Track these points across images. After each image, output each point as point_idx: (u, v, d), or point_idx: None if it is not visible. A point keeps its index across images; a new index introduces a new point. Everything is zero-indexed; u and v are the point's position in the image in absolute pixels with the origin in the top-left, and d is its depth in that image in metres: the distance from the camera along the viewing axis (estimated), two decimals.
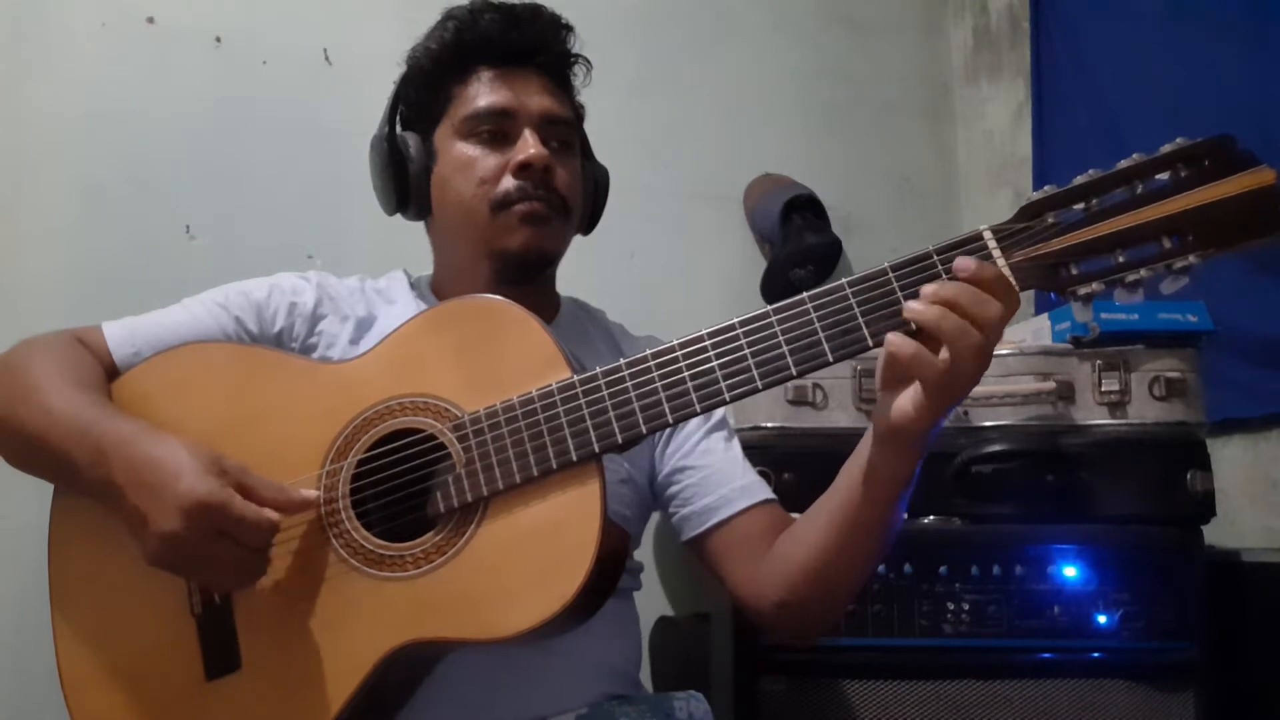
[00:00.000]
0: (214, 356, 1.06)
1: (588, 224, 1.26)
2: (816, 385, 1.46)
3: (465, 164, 1.15)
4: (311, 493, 0.95)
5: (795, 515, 1.10)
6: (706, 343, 0.90)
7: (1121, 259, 0.82)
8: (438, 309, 1.02)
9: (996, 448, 1.42)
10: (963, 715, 1.36)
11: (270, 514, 0.89)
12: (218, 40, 1.83)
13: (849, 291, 0.87)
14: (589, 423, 0.90)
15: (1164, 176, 0.81)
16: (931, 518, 1.43)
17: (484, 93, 1.16)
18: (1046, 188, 0.85)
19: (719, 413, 1.18)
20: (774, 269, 1.98)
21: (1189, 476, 1.40)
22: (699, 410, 0.89)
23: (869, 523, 0.96)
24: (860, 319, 0.86)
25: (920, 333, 0.84)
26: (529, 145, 1.13)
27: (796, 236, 1.96)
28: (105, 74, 1.76)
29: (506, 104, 1.15)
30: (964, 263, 0.83)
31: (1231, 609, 1.40)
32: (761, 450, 1.41)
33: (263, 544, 0.90)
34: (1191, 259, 0.80)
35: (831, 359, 0.87)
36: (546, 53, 1.19)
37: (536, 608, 0.87)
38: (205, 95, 1.80)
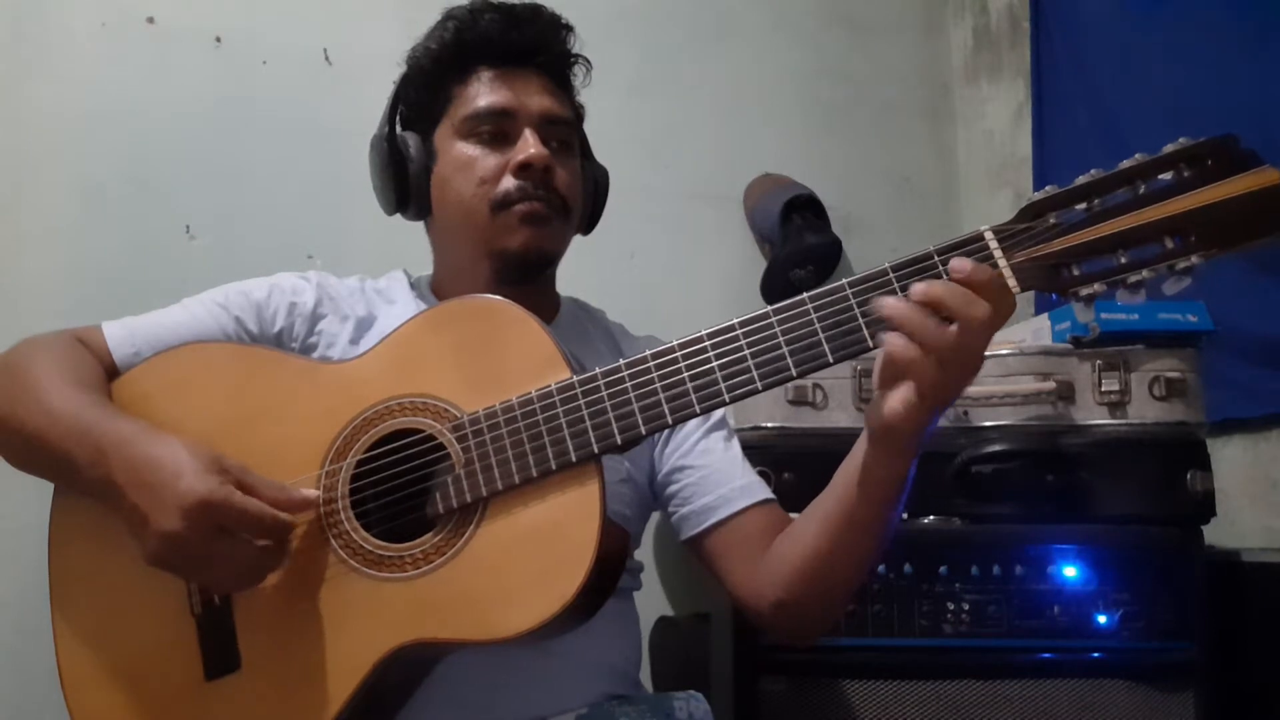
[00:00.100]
0: (214, 356, 1.06)
1: (587, 224, 1.26)
2: (816, 385, 1.46)
3: (465, 164, 1.15)
4: (312, 492, 0.95)
5: (794, 515, 1.10)
6: (706, 343, 0.90)
7: (1123, 259, 0.82)
8: (437, 309, 1.02)
9: (996, 448, 1.42)
10: (963, 715, 1.36)
11: (271, 510, 0.89)
12: (218, 40, 1.83)
13: (849, 291, 0.87)
14: (588, 423, 0.90)
15: (1167, 176, 0.81)
16: (931, 518, 1.43)
17: (484, 93, 1.16)
18: (1048, 188, 0.84)
19: (718, 412, 1.18)
20: (774, 269, 1.98)
21: (1189, 476, 1.40)
22: (699, 411, 0.89)
23: (863, 522, 0.96)
24: (860, 319, 0.86)
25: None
26: (529, 145, 1.13)
27: (796, 236, 1.96)
28: (105, 74, 1.76)
29: (507, 104, 1.15)
30: (958, 263, 0.83)
31: (1231, 609, 1.40)
32: (761, 450, 1.41)
33: (265, 539, 0.90)
34: (1194, 259, 0.80)
35: (831, 359, 0.87)
36: (546, 53, 1.19)
37: (536, 608, 0.87)
38: (205, 95, 1.80)
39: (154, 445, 0.90)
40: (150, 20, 1.80)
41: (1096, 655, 1.36)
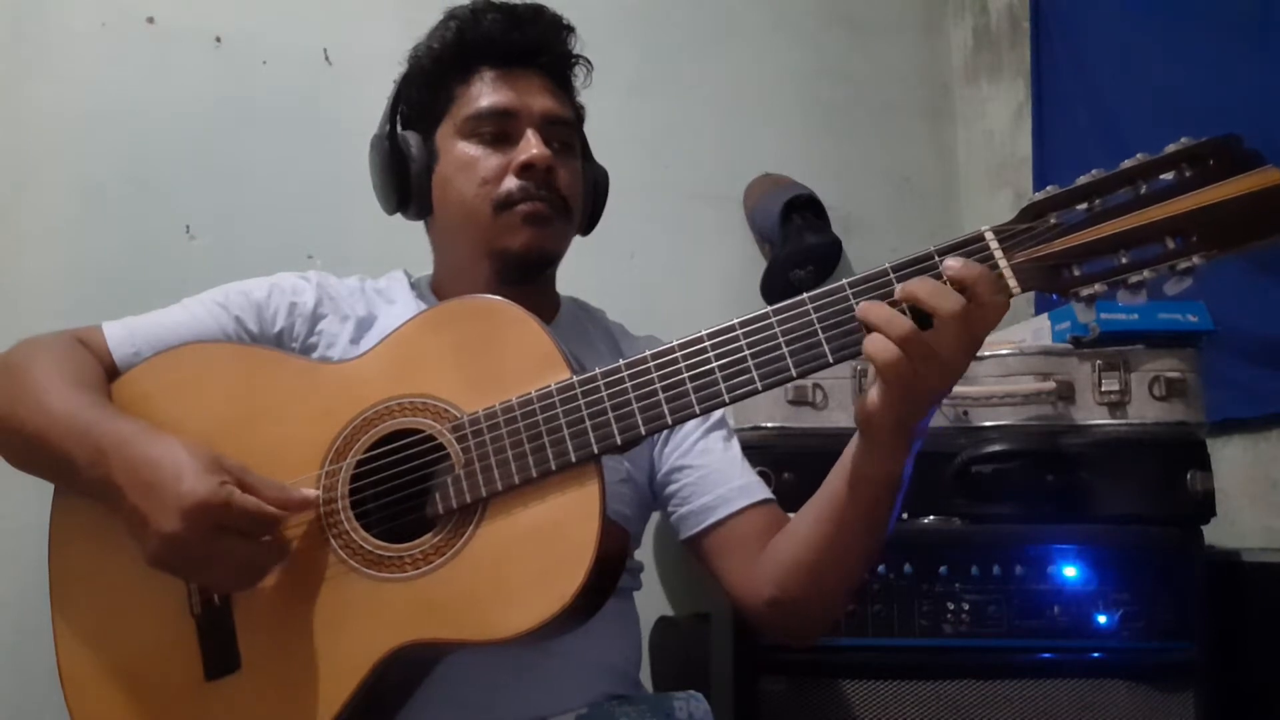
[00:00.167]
0: (214, 356, 1.06)
1: (587, 225, 1.26)
2: (816, 385, 1.46)
3: (467, 163, 1.15)
4: (312, 492, 0.95)
5: (793, 516, 1.10)
6: (706, 343, 0.90)
7: (1124, 260, 0.82)
8: (437, 309, 1.02)
9: (996, 448, 1.42)
10: (963, 715, 1.36)
11: (271, 509, 0.89)
12: (218, 40, 1.83)
13: (849, 292, 0.87)
14: (588, 424, 0.90)
15: (1168, 176, 0.81)
16: (931, 518, 1.43)
17: (487, 93, 1.16)
18: (1049, 188, 0.84)
19: (718, 412, 1.18)
20: (774, 269, 1.98)
21: (1189, 476, 1.40)
22: (698, 411, 0.89)
23: (854, 522, 0.96)
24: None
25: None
26: (531, 146, 1.13)
27: (796, 236, 1.96)
28: (105, 74, 1.76)
29: (509, 104, 1.15)
30: (949, 261, 0.83)
31: (1231, 609, 1.40)
32: (761, 450, 1.41)
33: (265, 539, 0.90)
34: (1195, 260, 0.80)
35: (831, 359, 0.87)
36: (548, 53, 1.19)
37: (536, 608, 0.87)
38: (205, 95, 1.80)
39: (154, 445, 0.90)
40: (150, 20, 1.80)
41: (1096, 655, 1.36)
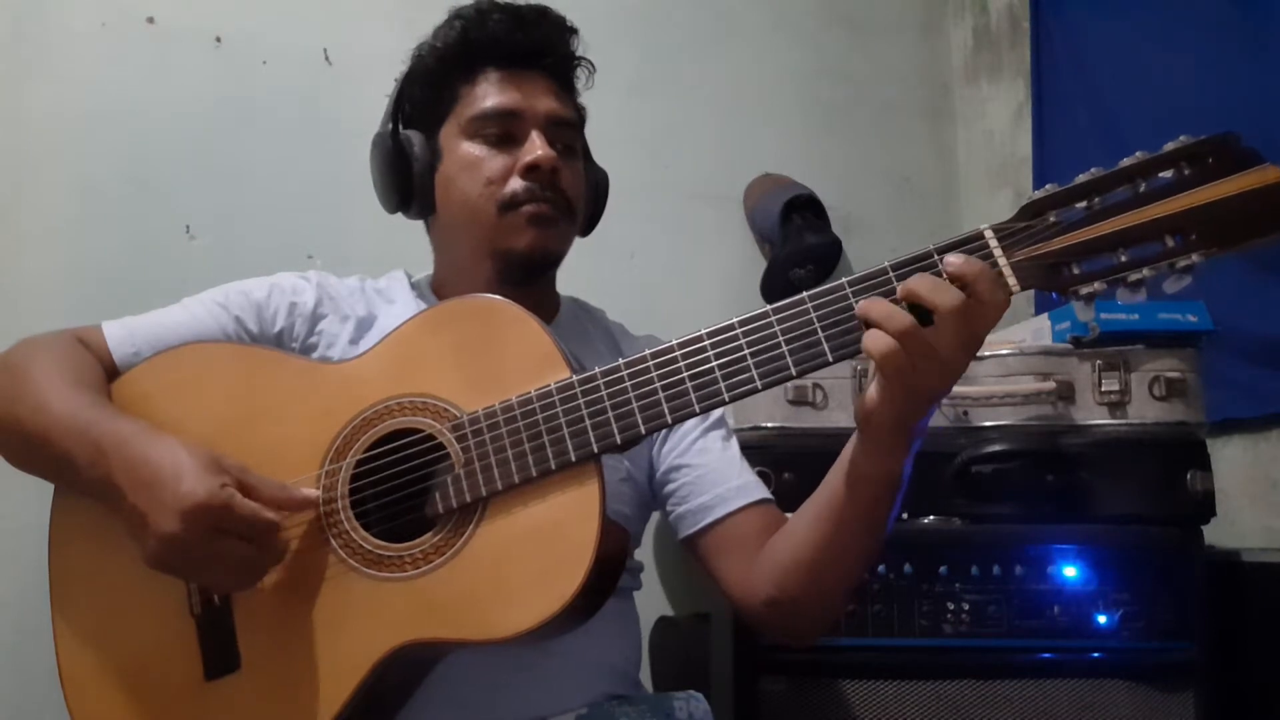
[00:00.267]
0: (214, 356, 1.06)
1: (586, 226, 1.26)
2: (816, 385, 1.46)
3: (472, 164, 1.15)
4: (312, 491, 0.95)
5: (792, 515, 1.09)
6: (706, 343, 0.90)
7: (1124, 258, 0.81)
8: (437, 309, 1.02)
9: (996, 448, 1.42)
10: (963, 715, 1.36)
11: (271, 510, 0.89)
12: (218, 40, 1.83)
13: (849, 291, 0.87)
14: (588, 423, 0.90)
15: (1167, 175, 0.81)
16: (931, 518, 1.43)
17: (492, 93, 1.16)
18: (1048, 186, 0.84)
19: (717, 411, 1.18)
20: (774, 269, 1.98)
21: (1189, 476, 1.40)
22: (698, 410, 0.89)
23: (852, 521, 0.96)
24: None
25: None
26: (537, 147, 1.13)
27: (796, 236, 1.96)
28: (105, 74, 1.76)
29: (514, 105, 1.15)
30: (950, 258, 0.83)
31: (1231, 609, 1.39)
32: (761, 450, 1.41)
33: (265, 541, 0.90)
34: (1195, 258, 0.79)
35: (831, 359, 0.87)
36: (553, 55, 1.19)
37: (536, 608, 0.87)
38: (205, 95, 1.80)
39: (153, 446, 0.90)
40: (150, 20, 1.80)
41: (1096, 655, 1.36)
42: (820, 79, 2.20)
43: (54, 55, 1.74)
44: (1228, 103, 1.59)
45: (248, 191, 1.80)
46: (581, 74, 1.24)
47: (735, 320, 0.89)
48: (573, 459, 0.90)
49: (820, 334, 0.87)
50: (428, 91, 1.20)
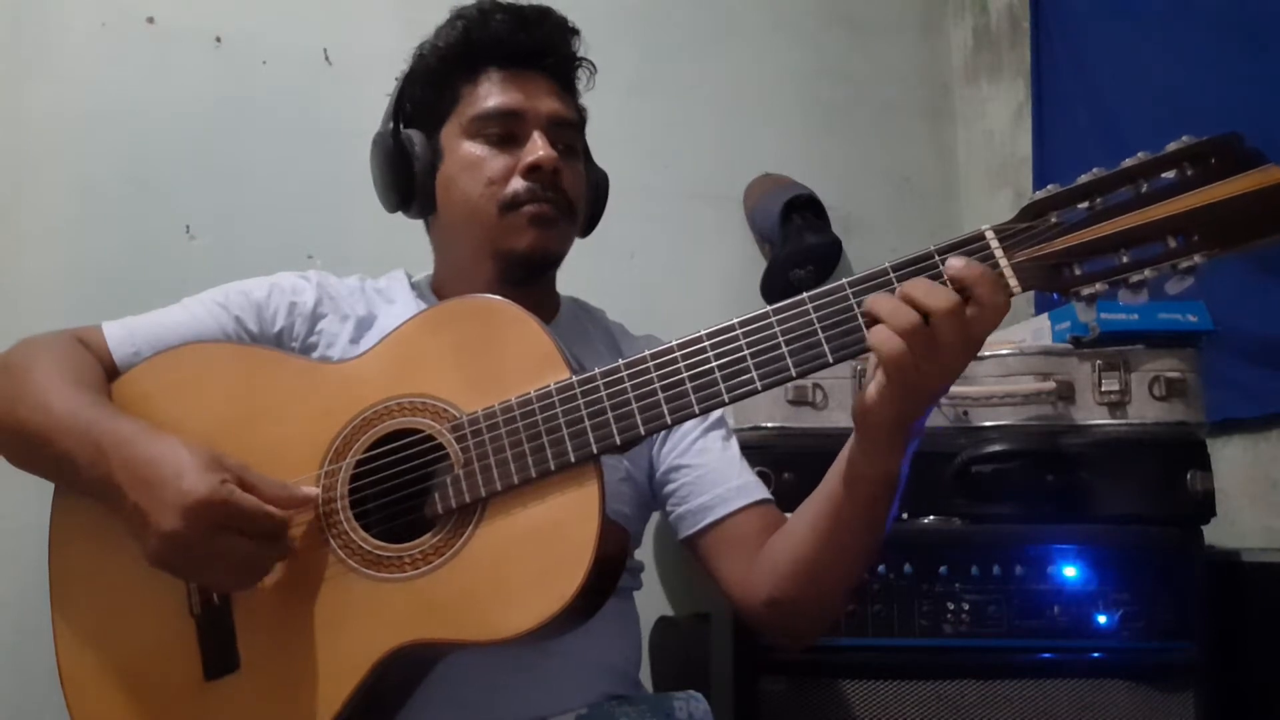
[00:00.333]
0: (214, 356, 1.06)
1: (586, 227, 1.26)
2: (816, 385, 1.46)
3: (473, 164, 1.15)
4: (312, 490, 0.95)
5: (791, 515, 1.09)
6: (705, 343, 0.89)
7: (1125, 259, 0.81)
8: (437, 309, 1.02)
9: (996, 448, 1.42)
10: (963, 715, 1.36)
11: (271, 508, 0.89)
12: (218, 40, 1.83)
13: (849, 291, 0.87)
14: (587, 424, 0.90)
15: (1169, 175, 0.80)
16: (931, 518, 1.43)
17: (494, 93, 1.16)
18: (1050, 186, 0.84)
19: (717, 412, 1.18)
20: (774, 269, 1.98)
21: (1189, 476, 1.40)
22: (698, 411, 0.89)
23: (852, 521, 0.96)
24: (860, 319, 0.86)
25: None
26: (539, 147, 1.13)
27: (796, 236, 1.96)
28: (105, 74, 1.76)
29: (516, 105, 1.15)
30: (951, 261, 0.83)
31: (1231, 609, 1.39)
32: (761, 450, 1.41)
33: (266, 537, 0.90)
34: (1197, 259, 0.79)
35: (831, 359, 0.86)
36: (554, 55, 1.19)
37: (535, 608, 0.87)
38: (205, 95, 1.80)
39: (154, 445, 0.90)
40: (150, 20, 1.80)
41: (1096, 655, 1.36)
42: (820, 79, 2.20)
43: (54, 55, 1.74)
44: (1228, 103, 1.59)
45: (248, 191, 1.80)
46: (583, 75, 1.24)
47: (735, 321, 0.89)
48: (572, 460, 0.90)
49: (820, 335, 0.87)
50: (429, 91, 1.20)
